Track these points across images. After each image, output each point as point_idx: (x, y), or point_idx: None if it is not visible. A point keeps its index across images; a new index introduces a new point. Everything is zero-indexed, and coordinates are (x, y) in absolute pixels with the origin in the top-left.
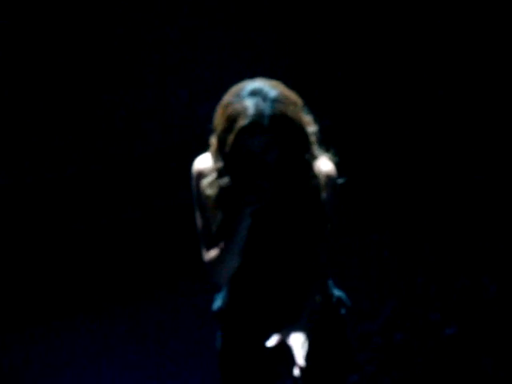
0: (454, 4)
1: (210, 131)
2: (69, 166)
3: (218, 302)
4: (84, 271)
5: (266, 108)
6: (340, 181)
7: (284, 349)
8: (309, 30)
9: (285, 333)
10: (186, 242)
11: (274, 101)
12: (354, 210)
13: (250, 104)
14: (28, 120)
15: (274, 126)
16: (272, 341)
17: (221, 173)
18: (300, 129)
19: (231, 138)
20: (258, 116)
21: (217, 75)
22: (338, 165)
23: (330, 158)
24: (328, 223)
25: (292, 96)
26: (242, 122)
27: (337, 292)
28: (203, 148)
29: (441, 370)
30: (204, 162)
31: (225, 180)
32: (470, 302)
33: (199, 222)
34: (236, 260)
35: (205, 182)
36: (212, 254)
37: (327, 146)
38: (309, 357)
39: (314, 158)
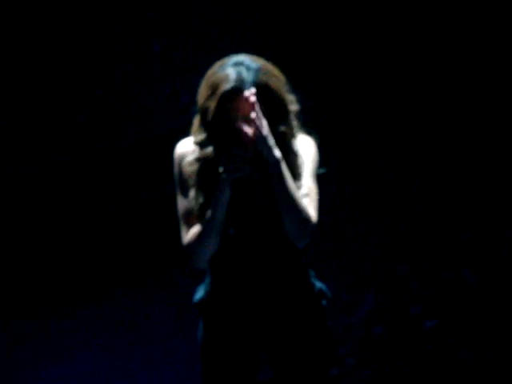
0: (454, 4)
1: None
2: (57, 157)
3: (200, 293)
4: (72, 261)
5: (249, 76)
6: (321, 171)
7: (265, 341)
8: (294, 16)
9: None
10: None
11: (258, 71)
12: (338, 201)
13: (232, 71)
14: (14, 110)
15: (256, 93)
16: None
17: (203, 144)
18: (281, 100)
19: (213, 104)
20: (240, 81)
21: (203, 68)
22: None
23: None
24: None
25: (275, 71)
26: (224, 87)
27: (318, 283)
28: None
29: (421, 362)
30: (186, 145)
31: (206, 151)
32: (450, 294)
33: (180, 204)
34: (216, 239)
35: (186, 160)
36: (191, 234)
37: (309, 128)
38: (290, 348)
39: (293, 134)
